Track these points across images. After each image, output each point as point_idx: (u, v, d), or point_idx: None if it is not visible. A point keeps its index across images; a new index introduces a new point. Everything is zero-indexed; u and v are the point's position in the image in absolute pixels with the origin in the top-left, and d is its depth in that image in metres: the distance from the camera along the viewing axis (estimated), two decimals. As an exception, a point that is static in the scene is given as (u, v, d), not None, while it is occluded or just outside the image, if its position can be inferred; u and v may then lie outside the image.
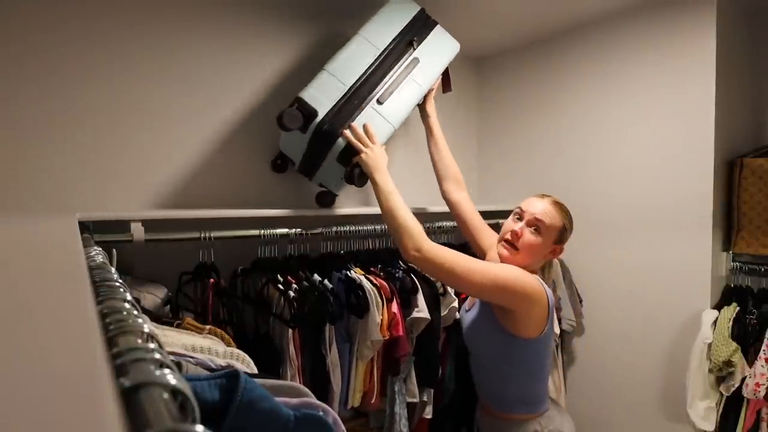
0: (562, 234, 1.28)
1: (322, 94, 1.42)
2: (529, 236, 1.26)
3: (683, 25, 1.71)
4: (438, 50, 1.64)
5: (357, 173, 1.41)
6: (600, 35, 1.96)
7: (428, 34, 1.62)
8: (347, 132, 1.40)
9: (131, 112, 1.50)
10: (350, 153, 1.41)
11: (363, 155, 1.36)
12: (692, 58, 1.69)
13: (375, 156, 1.35)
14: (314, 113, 1.39)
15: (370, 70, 1.49)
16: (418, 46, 1.58)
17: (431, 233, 1.89)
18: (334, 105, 1.42)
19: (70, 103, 1.40)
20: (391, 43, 1.54)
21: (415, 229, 1.21)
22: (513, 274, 1.18)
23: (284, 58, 1.81)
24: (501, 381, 1.30)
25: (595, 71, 1.98)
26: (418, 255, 1.18)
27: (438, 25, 1.66)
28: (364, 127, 1.43)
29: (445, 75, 1.75)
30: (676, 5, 1.72)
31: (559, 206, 1.30)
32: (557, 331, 1.82)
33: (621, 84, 1.90)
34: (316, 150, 1.46)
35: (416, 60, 1.57)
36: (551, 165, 2.16)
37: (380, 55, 1.52)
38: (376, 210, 1.72)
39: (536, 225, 1.25)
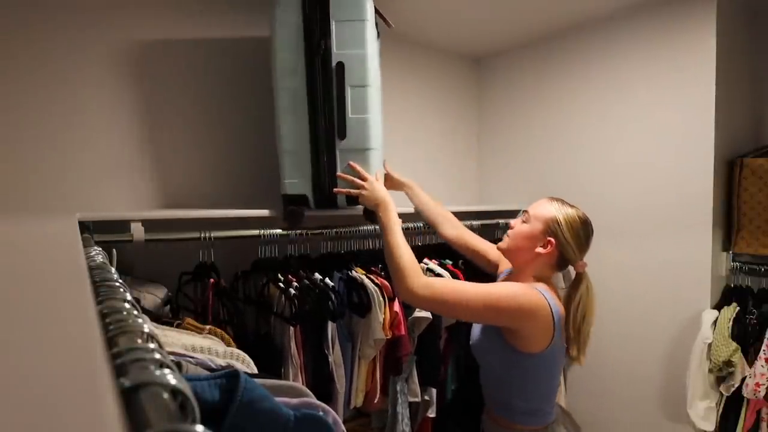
0: (551, 225, 1.24)
1: (298, 176, 1.41)
2: (518, 225, 1.31)
3: (683, 25, 1.71)
4: (350, 30, 1.34)
5: (368, 213, 1.44)
6: (600, 35, 1.96)
7: (329, 23, 1.33)
8: (338, 189, 1.41)
9: (132, 112, 1.50)
10: (353, 197, 1.41)
11: (360, 198, 1.38)
12: (692, 58, 1.69)
13: (371, 192, 1.36)
14: (304, 197, 1.41)
15: (313, 118, 1.36)
16: (329, 47, 1.33)
17: (429, 233, 1.89)
18: (313, 176, 1.40)
19: (70, 103, 1.40)
20: (306, 72, 1.34)
21: (409, 268, 1.19)
22: (509, 291, 1.16)
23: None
24: (508, 392, 1.29)
25: (595, 71, 1.98)
26: (409, 295, 1.18)
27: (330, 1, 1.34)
28: (350, 166, 1.40)
29: (378, 15, 1.45)
30: (676, 5, 1.72)
31: (557, 201, 1.30)
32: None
33: (621, 83, 1.90)
34: (329, 206, 1.46)
35: (341, 65, 1.34)
36: (551, 164, 2.16)
37: (308, 93, 1.35)
38: None
39: (526, 216, 1.31)
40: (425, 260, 1.79)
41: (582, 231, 1.27)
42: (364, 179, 1.38)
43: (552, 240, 1.25)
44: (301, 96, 1.36)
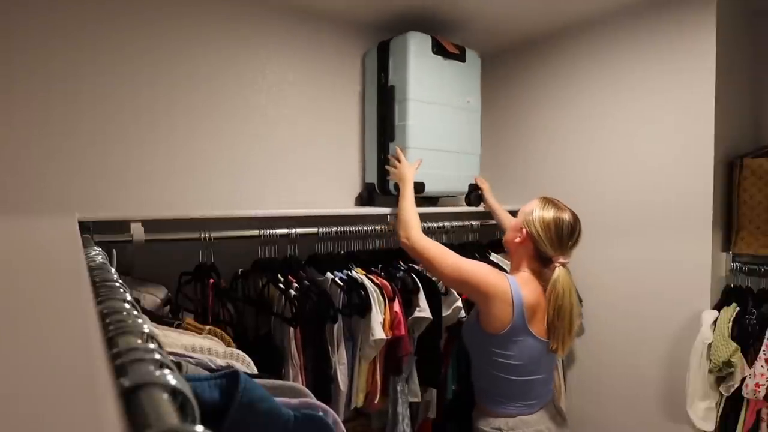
0: (526, 217, 1.40)
1: (370, 169, 1.97)
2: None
3: (683, 25, 1.71)
4: (399, 61, 1.80)
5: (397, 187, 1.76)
6: (599, 35, 1.96)
7: (388, 60, 1.84)
8: (388, 166, 1.83)
9: (133, 113, 1.50)
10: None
11: (391, 172, 1.78)
12: (692, 58, 1.69)
13: (398, 171, 1.73)
14: (373, 184, 1.94)
15: (379, 128, 1.91)
16: (387, 76, 1.85)
17: (431, 233, 1.89)
18: (377, 169, 1.92)
19: (70, 104, 1.40)
20: (377, 97, 1.90)
21: (410, 222, 1.49)
22: (479, 271, 1.34)
23: (286, 61, 1.81)
24: (476, 372, 1.47)
25: (595, 71, 1.98)
26: (406, 242, 1.47)
27: (393, 39, 1.84)
28: (395, 151, 1.80)
29: (438, 42, 1.85)
30: (676, 5, 1.72)
31: (545, 199, 1.42)
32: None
33: (621, 84, 1.90)
34: (384, 192, 1.92)
35: (392, 87, 1.82)
36: (550, 165, 2.16)
37: (377, 111, 1.90)
38: (376, 210, 1.77)
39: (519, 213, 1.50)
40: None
41: (554, 227, 1.36)
42: (399, 161, 1.75)
43: (524, 230, 1.39)
44: (373, 124, 1.94)
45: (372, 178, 1.95)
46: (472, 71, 1.99)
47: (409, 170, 1.69)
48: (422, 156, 1.79)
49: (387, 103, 1.84)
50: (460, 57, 1.92)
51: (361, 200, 2.01)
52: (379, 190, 1.91)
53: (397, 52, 1.81)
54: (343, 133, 2.00)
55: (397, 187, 1.75)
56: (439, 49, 1.84)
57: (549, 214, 1.37)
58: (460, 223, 1.94)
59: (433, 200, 2.00)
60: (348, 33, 1.98)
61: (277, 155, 1.82)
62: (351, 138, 2.03)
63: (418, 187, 1.74)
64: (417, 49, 1.78)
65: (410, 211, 1.54)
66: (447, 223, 1.89)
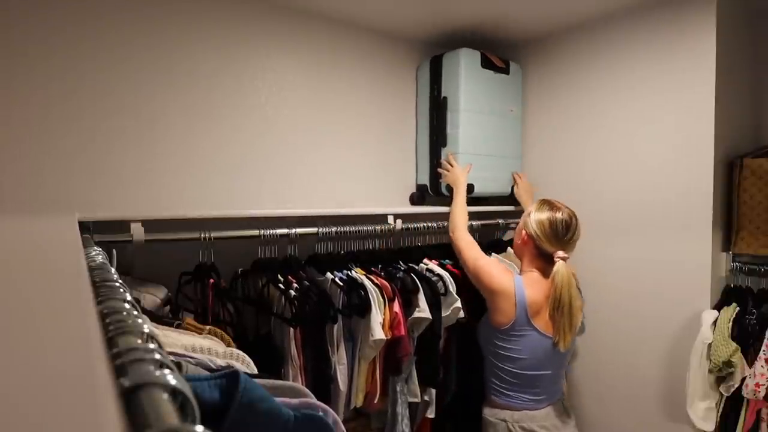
0: (525, 218, 1.55)
1: (423, 171, 2.13)
2: None
3: (683, 25, 1.71)
4: (451, 75, 1.96)
5: (450, 189, 1.96)
6: (599, 35, 1.96)
7: (441, 73, 1.99)
8: (440, 169, 2.00)
9: (133, 112, 1.50)
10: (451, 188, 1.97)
11: (444, 176, 1.96)
12: (692, 58, 1.69)
13: (450, 174, 1.92)
14: (425, 186, 2.11)
15: (432, 134, 2.06)
16: (440, 88, 2.00)
17: (431, 234, 1.90)
18: (430, 172, 2.08)
19: (69, 102, 1.40)
20: (429, 106, 2.07)
21: (457, 220, 1.73)
22: (490, 267, 1.53)
23: (285, 62, 1.81)
24: (485, 365, 1.59)
25: (594, 71, 1.98)
26: (451, 235, 1.72)
27: (445, 55, 1.98)
28: (448, 157, 1.97)
29: (487, 57, 2.01)
30: (676, 5, 1.72)
31: (538, 201, 1.56)
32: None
33: (620, 84, 1.90)
34: (437, 193, 2.07)
35: (445, 98, 1.98)
36: (549, 164, 2.15)
37: (429, 119, 2.07)
38: (374, 210, 1.78)
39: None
40: (425, 260, 1.79)
41: (548, 224, 1.48)
42: (451, 165, 1.93)
43: (524, 232, 1.53)
44: (428, 121, 2.08)
45: (424, 179, 2.12)
46: (515, 82, 2.14)
47: (461, 174, 1.88)
48: (471, 161, 1.95)
49: (440, 112, 2.00)
50: (505, 70, 2.09)
51: (413, 200, 2.15)
52: (432, 191, 2.07)
53: (450, 66, 1.97)
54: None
55: (449, 188, 1.92)
56: (487, 64, 2.00)
57: (543, 214, 1.50)
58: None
59: (481, 200, 2.14)
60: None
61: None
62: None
63: (469, 188, 1.92)
64: (468, 64, 1.95)
65: (460, 210, 1.76)
66: (446, 223, 1.89)
